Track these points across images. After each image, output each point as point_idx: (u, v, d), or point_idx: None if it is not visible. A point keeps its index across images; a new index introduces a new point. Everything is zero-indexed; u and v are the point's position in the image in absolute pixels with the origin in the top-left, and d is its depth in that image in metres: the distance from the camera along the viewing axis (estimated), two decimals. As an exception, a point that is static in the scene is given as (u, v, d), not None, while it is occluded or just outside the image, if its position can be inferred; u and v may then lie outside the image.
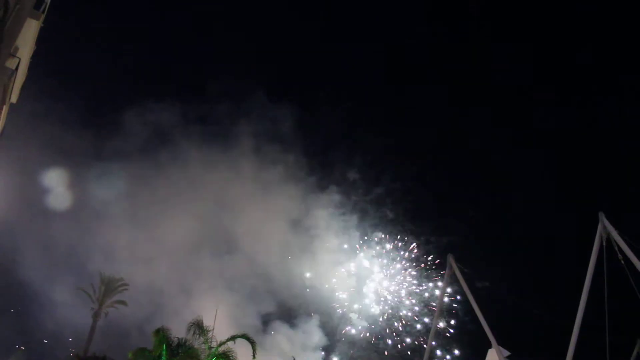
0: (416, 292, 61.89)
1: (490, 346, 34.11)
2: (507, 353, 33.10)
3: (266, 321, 60.73)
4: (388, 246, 64.34)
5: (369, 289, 63.91)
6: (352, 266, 64.65)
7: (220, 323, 37.84)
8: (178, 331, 34.19)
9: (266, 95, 67.08)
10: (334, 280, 63.93)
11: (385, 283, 63.48)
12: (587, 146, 68.80)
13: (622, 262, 29.02)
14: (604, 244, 30.27)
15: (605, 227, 30.26)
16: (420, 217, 65.44)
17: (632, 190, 56.77)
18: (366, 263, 64.72)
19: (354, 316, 62.87)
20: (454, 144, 75.04)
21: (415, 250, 63.23)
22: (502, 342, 33.48)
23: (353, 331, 62.41)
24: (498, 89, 77.85)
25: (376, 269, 64.20)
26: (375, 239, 64.68)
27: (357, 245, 65.01)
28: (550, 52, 75.23)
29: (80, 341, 53.95)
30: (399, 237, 64.02)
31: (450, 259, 37.68)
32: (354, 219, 65.27)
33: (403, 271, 63.20)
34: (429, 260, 62.48)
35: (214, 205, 61.85)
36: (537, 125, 74.03)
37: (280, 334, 60.06)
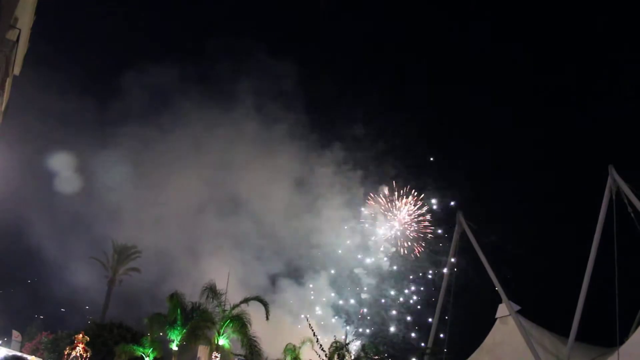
0: (423, 248, 62.51)
1: (500, 301, 34.39)
2: (517, 307, 33.33)
3: (274, 281, 61.58)
4: (392, 201, 64.63)
5: (376, 244, 64.55)
6: (357, 222, 65.17)
7: (229, 284, 38.31)
8: (190, 295, 34.75)
9: (266, 52, 66.11)
10: (340, 237, 64.40)
11: (392, 236, 64.07)
12: (596, 99, 67.94)
13: (632, 215, 28.93)
14: (614, 197, 30.08)
15: (615, 180, 30.03)
16: (424, 172, 65.30)
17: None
18: (371, 218, 65.21)
19: (361, 273, 63.55)
20: (456, 99, 73.88)
21: (419, 205, 63.56)
22: (512, 297, 33.73)
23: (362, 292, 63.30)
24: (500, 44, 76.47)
25: (381, 224, 64.71)
26: (380, 194, 64.90)
27: (362, 201, 65.44)
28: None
29: (96, 309, 55.04)
30: (403, 192, 64.22)
31: (459, 216, 37.60)
32: (357, 175, 65.33)
33: (407, 225, 63.58)
34: (434, 215, 62.95)
35: (218, 165, 61.95)
36: (544, 80, 72.82)
37: (290, 292, 60.89)
